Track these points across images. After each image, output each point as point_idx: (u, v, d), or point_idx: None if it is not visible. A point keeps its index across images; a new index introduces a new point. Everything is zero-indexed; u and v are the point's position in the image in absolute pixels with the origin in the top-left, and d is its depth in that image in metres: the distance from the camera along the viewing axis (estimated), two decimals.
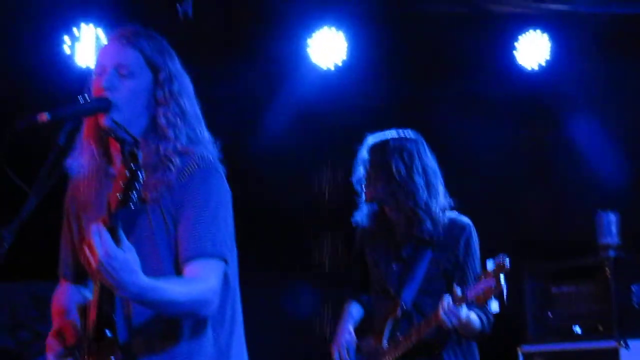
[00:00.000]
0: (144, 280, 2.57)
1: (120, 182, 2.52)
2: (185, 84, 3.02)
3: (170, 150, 2.87)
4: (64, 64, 6.52)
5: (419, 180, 4.15)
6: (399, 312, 4.20)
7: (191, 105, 3.00)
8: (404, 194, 4.15)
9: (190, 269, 2.79)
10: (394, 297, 4.22)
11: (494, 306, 3.90)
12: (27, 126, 2.71)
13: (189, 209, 2.83)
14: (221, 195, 2.89)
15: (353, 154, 4.32)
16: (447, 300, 3.92)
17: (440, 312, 3.92)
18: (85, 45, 6.51)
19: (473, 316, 4.02)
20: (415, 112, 6.59)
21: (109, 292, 2.66)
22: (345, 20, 6.59)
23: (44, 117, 2.74)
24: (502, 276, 3.85)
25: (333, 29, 6.63)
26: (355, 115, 6.64)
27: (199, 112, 3.03)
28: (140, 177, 2.53)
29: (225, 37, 6.43)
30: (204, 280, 2.77)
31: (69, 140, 2.85)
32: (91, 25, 6.52)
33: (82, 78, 3.04)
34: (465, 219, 4.25)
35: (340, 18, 6.59)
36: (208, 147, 2.97)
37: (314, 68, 6.69)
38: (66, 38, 6.53)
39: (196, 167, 2.87)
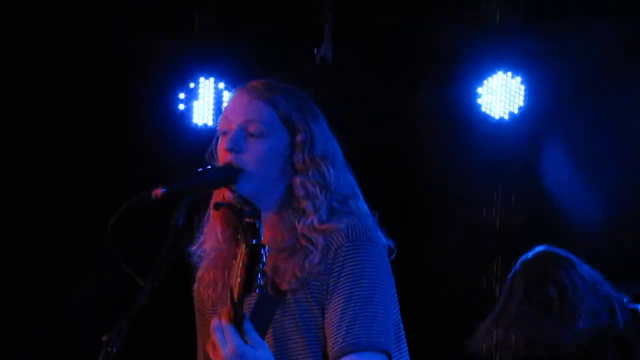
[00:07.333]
0: None
1: (241, 264, 2.39)
2: (332, 149, 2.79)
3: (309, 227, 2.66)
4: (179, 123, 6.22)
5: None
6: None
7: (339, 173, 2.77)
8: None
9: None
10: None
11: None
12: (138, 203, 2.54)
13: (338, 293, 2.62)
14: (377, 273, 2.65)
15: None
16: None
17: None
18: (204, 102, 6.21)
19: None
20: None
21: None
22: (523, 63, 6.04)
23: (159, 191, 2.55)
24: None
25: (509, 74, 6.07)
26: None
27: (351, 180, 2.81)
28: (263, 254, 2.40)
29: (374, 83, 5.96)
30: None
31: (188, 219, 2.59)
32: (211, 80, 6.20)
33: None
34: None
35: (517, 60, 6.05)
36: (361, 218, 2.72)
37: (485, 118, 6.18)
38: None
39: (345, 240, 2.64)
